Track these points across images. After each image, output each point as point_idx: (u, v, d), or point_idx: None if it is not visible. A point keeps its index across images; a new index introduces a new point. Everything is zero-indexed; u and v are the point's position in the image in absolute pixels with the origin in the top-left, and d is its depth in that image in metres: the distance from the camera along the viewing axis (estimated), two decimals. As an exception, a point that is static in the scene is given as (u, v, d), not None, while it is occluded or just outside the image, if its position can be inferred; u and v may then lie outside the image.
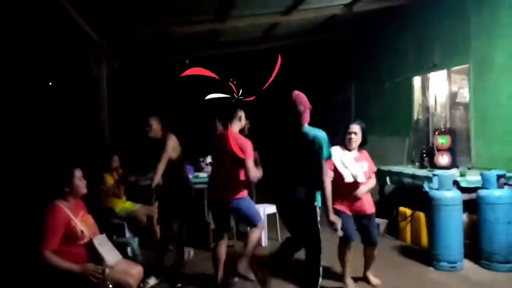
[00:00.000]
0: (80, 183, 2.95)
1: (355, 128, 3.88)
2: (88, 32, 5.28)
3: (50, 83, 8.82)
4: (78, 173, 2.96)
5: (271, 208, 5.42)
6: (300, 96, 3.26)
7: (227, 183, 3.78)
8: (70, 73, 8.11)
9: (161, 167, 3.95)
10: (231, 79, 12.29)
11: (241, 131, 4.00)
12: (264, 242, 5.29)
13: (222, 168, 3.84)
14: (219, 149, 3.85)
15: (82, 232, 2.82)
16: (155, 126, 4.14)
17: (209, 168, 6.02)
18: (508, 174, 4.36)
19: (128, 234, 4.98)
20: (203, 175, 5.79)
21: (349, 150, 3.90)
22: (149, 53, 7.55)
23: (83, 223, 2.88)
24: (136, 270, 3.08)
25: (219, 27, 6.17)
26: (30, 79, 8.09)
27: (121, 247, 3.73)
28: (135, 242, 4.63)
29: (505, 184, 4.25)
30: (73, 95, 8.31)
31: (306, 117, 3.21)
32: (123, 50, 6.06)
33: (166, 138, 4.06)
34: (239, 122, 3.89)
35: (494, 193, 4.15)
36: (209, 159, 6.13)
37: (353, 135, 3.87)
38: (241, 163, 3.61)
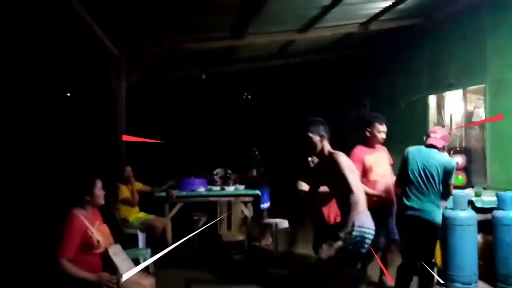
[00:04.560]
0: (100, 193, 3.03)
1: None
2: (108, 46, 5.43)
3: (68, 94, 9.03)
4: (98, 183, 3.04)
5: (284, 223, 5.46)
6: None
7: None
8: (89, 86, 8.32)
9: None
10: (245, 94, 12.42)
11: None
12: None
13: None
14: None
15: (98, 241, 2.88)
16: None
17: (220, 181, 6.07)
18: (524, 196, 4.30)
19: (141, 245, 5.02)
20: (216, 188, 5.83)
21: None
22: (167, 68, 7.70)
23: (99, 232, 2.93)
24: (149, 281, 3.13)
25: (235, 43, 6.28)
26: (50, 90, 8.30)
27: (134, 258, 3.78)
28: (147, 253, 4.67)
29: (521, 205, 4.19)
30: (92, 107, 8.49)
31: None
32: (142, 64, 6.20)
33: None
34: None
35: (510, 214, 4.07)
36: (221, 172, 6.17)
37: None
38: None
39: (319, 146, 3.19)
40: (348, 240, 2.88)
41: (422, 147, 3.78)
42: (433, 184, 3.60)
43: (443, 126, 6.26)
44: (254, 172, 6.19)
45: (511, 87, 4.95)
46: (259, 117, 10.68)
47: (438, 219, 3.65)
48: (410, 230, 3.67)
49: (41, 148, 7.71)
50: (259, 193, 5.79)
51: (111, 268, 2.88)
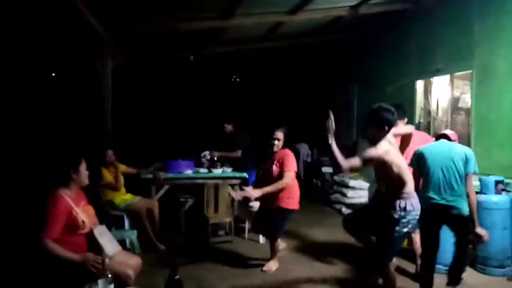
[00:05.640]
0: (85, 172, 3.01)
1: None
2: (94, 25, 5.31)
3: (53, 74, 8.86)
4: (83, 162, 3.03)
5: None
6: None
7: None
8: (74, 66, 8.15)
9: None
10: (233, 77, 12.34)
11: None
12: (262, 239, 5.34)
13: None
14: None
15: (83, 221, 2.86)
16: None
17: (208, 164, 6.05)
18: (506, 180, 4.39)
19: (127, 227, 5.02)
20: (203, 170, 5.82)
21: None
22: (155, 49, 7.58)
23: (84, 213, 2.92)
24: (135, 262, 3.13)
25: (224, 24, 6.20)
26: (34, 71, 8.13)
27: (120, 239, 3.77)
28: (133, 234, 4.68)
29: (503, 190, 4.28)
30: (77, 88, 8.35)
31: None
32: (129, 45, 6.09)
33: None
34: None
35: (491, 198, 4.18)
36: (208, 155, 6.15)
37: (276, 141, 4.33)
38: None
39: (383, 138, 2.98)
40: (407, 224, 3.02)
41: (434, 143, 3.70)
42: (457, 176, 3.51)
43: (430, 112, 6.33)
44: (239, 153, 6.18)
45: (497, 74, 5.00)
46: (246, 99, 10.64)
47: (466, 210, 3.48)
48: (438, 222, 3.55)
49: (24, 129, 7.59)
50: (247, 176, 5.80)
51: (97, 249, 2.87)
